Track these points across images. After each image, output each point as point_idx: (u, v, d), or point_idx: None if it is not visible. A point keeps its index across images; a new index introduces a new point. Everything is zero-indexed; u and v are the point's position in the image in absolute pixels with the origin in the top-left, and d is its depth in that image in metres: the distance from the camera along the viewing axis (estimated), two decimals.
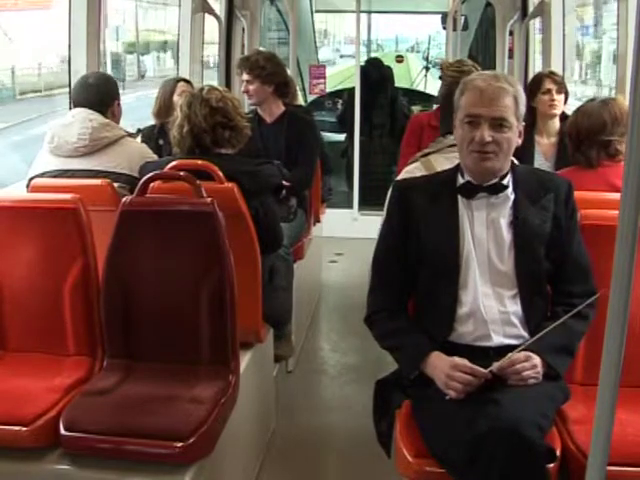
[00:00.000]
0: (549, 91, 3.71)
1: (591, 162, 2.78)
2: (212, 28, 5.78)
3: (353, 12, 6.79)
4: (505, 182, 2.11)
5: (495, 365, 1.94)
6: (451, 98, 2.18)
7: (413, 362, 2.08)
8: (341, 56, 22.03)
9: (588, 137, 2.77)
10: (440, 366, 2.00)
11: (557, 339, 2.01)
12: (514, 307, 2.08)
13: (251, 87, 3.85)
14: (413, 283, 2.19)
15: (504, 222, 2.10)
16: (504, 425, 1.78)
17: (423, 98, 7.58)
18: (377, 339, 2.24)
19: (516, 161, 2.28)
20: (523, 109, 2.09)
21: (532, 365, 1.96)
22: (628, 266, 1.23)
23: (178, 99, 3.48)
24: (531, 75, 5.24)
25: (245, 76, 3.84)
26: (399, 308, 2.21)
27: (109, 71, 12.25)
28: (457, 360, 1.98)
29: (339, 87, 8.08)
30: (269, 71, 3.81)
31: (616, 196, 1.31)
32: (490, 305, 2.07)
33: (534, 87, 3.78)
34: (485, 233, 2.10)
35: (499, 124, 2.03)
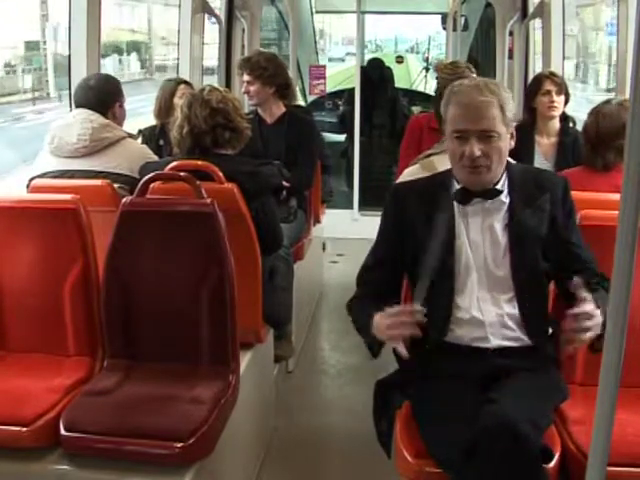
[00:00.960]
0: (549, 92, 3.70)
1: (608, 165, 2.77)
2: (211, 28, 5.77)
3: (354, 12, 6.80)
4: (499, 186, 2.10)
5: None
6: None
7: (367, 331, 2.03)
8: (330, 59, 21.02)
9: (606, 140, 2.76)
10: (379, 324, 1.96)
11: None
12: (511, 310, 2.08)
13: (252, 88, 3.83)
14: (400, 287, 2.21)
15: (499, 226, 2.10)
16: (500, 421, 1.78)
17: (423, 99, 7.58)
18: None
19: (512, 160, 2.27)
20: (510, 113, 2.07)
21: (595, 324, 1.83)
22: (628, 266, 1.23)
23: (179, 101, 3.48)
24: (531, 75, 5.24)
25: (246, 77, 3.83)
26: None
27: (51, 77, 11.31)
28: (387, 310, 1.93)
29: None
30: (270, 72, 3.80)
31: (616, 197, 1.31)
32: (487, 309, 2.07)
33: (534, 88, 3.78)
34: (481, 239, 2.10)
35: (487, 136, 2.02)
